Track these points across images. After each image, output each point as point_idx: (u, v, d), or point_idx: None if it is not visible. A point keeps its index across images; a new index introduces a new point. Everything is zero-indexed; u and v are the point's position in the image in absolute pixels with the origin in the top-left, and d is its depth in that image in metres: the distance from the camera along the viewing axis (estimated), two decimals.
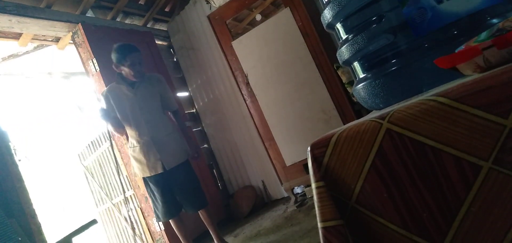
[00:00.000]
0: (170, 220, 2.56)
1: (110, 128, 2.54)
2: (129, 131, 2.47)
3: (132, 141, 2.47)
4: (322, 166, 0.79)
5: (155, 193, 2.50)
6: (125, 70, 2.40)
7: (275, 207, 3.52)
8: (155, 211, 2.58)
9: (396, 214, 0.73)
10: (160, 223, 3.00)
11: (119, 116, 2.43)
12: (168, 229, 3.01)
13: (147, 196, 3.03)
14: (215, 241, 2.62)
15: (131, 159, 2.53)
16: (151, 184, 2.50)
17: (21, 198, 2.17)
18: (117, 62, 2.39)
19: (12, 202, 2.11)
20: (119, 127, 2.48)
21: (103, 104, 2.46)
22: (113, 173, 3.60)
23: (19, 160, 2.37)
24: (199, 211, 2.58)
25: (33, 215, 2.20)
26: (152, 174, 2.44)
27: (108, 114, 2.41)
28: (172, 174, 2.48)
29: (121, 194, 3.54)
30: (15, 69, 4.19)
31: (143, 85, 2.47)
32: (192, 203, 2.55)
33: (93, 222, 2.09)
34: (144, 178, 2.52)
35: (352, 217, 0.77)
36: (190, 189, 2.53)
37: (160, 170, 2.44)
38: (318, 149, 0.80)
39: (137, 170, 2.50)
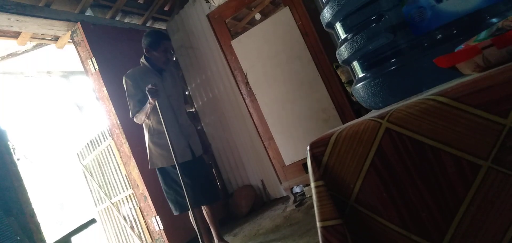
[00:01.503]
0: (193, 211, 2.42)
1: (147, 110, 2.35)
2: (154, 117, 2.38)
3: (157, 127, 2.38)
4: (322, 165, 0.79)
5: (177, 182, 2.38)
6: (155, 56, 2.41)
7: (274, 207, 3.52)
8: (176, 200, 2.44)
9: (395, 213, 0.73)
10: (160, 222, 3.00)
11: (144, 99, 2.36)
12: (167, 228, 3.01)
13: (146, 195, 3.03)
14: (215, 239, 2.62)
15: (152, 147, 2.42)
16: (175, 173, 2.37)
17: (20, 197, 2.17)
18: (149, 46, 2.40)
19: (11, 201, 2.11)
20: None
21: (129, 85, 2.38)
22: (112, 172, 3.60)
23: (18, 159, 2.37)
24: (204, 206, 2.54)
25: (32, 214, 2.19)
26: (180, 162, 2.34)
27: (158, 93, 2.28)
28: (197, 163, 2.47)
29: (120, 193, 3.54)
30: (14, 68, 4.18)
31: (169, 73, 2.51)
32: (209, 194, 2.51)
33: (92, 221, 2.09)
34: (165, 169, 2.41)
35: (351, 216, 0.77)
36: (210, 180, 2.54)
37: (189, 158, 2.42)
38: (318, 148, 0.79)
39: (159, 159, 2.39)
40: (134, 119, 2.45)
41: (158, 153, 2.42)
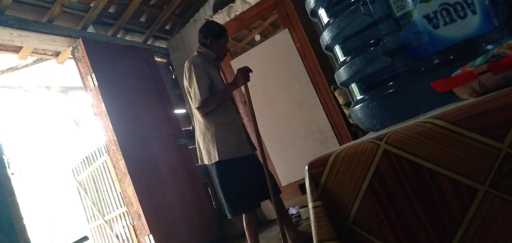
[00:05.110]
0: (247, 214, 2.24)
1: (225, 96, 2.27)
2: (223, 108, 2.26)
3: (227, 116, 2.27)
4: (320, 186, 0.78)
5: (251, 175, 2.24)
6: (218, 45, 2.33)
7: (269, 228, 3.48)
8: (241, 200, 2.23)
9: (392, 236, 0.73)
10: (153, 241, 2.95)
11: (213, 90, 2.23)
12: None
13: (141, 213, 2.99)
14: (285, 230, 2.34)
15: (225, 136, 2.22)
16: (248, 163, 2.27)
17: (11, 213, 2.13)
18: (215, 35, 2.32)
19: (2, 217, 2.07)
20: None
21: (199, 70, 2.19)
22: (106, 189, 3.56)
23: (12, 173, 2.34)
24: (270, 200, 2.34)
25: (23, 231, 2.15)
26: (247, 154, 2.27)
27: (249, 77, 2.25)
28: (253, 158, 2.36)
29: (113, 211, 3.49)
30: (13, 82, 4.18)
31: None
32: (270, 189, 2.27)
33: (84, 238, 2.06)
34: (237, 159, 2.22)
35: (349, 237, 0.76)
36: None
37: (250, 151, 2.32)
38: (316, 168, 0.79)
39: (231, 149, 2.21)
40: (201, 108, 2.21)
41: (230, 142, 2.22)
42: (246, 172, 2.24)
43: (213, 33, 2.33)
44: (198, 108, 2.21)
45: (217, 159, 2.18)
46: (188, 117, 4.22)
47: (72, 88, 4.85)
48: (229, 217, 2.30)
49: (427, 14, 0.91)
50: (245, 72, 2.21)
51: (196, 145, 2.34)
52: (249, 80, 2.24)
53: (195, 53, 2.35)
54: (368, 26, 1.00)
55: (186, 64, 2.26)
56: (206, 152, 2.24)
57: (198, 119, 2.29)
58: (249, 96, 2.29)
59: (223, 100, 2.25)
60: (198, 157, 2.33)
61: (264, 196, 2.29)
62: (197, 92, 2.18)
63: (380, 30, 0.99)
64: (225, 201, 2.26)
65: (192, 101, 2.25)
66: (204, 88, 2.18)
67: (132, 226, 3.16)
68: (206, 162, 2.27)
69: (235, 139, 2.24)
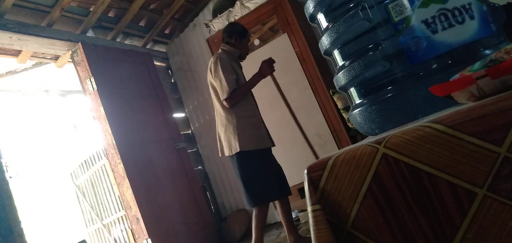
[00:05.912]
0: (259, 207, 2.29)
1: (250, 87, 2.36)
2: (244, 102, 2.33)
3: (248, 109, 2.34)
4: (319, 189, 0.79)
5: (271, 167, 2.33)
6: (242, 44, 2.47)
7: (268, 232, 3.47)
8: (261, 191, 2.28)
9: (391, 239, 0.73)
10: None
11: (238, 85, 2.31)
12: None
13: (139, 217, 2.98)
14: (286, 233, 2.44)
15: (249, 128, 2.29)
16: (268, 156, 2.35)
17: (9, 216, 2.13)
18: (239, 34, 2.46)
19: (0, 220, 2.07)
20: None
21: (226, 64, 2.29)
22: (105, 193, 3.55)
23: (10, 177, 2.34)
24: (278, 201, 2.41)
25: (20, 234, 2.14)
26: (267, 147, 2.36)
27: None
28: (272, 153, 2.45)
29: (112, 215, 3.48)
30: (12, 85, 4.18)
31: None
32: (287, 186, 2.41)
33: (82, 242, 2.05)
34: (258, 151, 2.28)
35: (348, 241, 0.76)
36: (282, 172, 2.46)
37: (270, 145, 2.41)
38: (315, 172, 0.80)
39: (252, 141, 2.27)
40: (229, 98, 2.26)
41: (252, 134, 2.28)
42: (266, 163, 2.32)
43: (237, 32, 2.47)
44: (226, 99, 2.27)
45: (238, 150, 2.24)
46: (187, 121, 4.22)
47: (71, 92, 4.85)
48: (248, 207, 2.36)
49: (426, 19, 0.92)
50: (270, 63, 2.36)
51: (217, 138, 2.40)
52: (274, 70, 2.39)
53: (220, 51, 2.47)
54: (366, 31, 1.00)
55: (212, 60, 2.36)
56: (227, 143, 2.30)
57: (219, 112, 2.37)
58: (278, 84, 2.43)
59: (249, 91, 2.36)
60: (219, 149, 2.39)
61: (282, 190, 2.35)
62: (225, 84, 2.25)
63: (378, 35, 0.99)
64: (245, 191, 2.30)
65: (219, 92, 2.31)
66: (231, 79, 2.26)
67: (131, 230, 3.15)
68: (226, 153, 2.32)
69: (255, 132, 2.31)
